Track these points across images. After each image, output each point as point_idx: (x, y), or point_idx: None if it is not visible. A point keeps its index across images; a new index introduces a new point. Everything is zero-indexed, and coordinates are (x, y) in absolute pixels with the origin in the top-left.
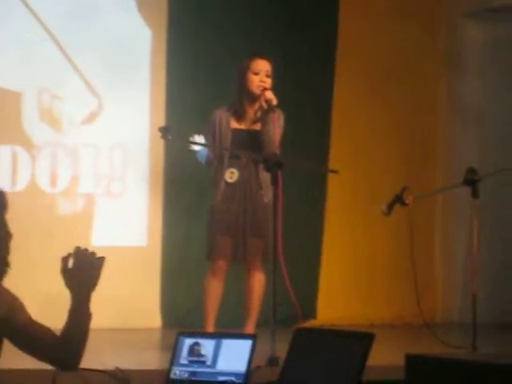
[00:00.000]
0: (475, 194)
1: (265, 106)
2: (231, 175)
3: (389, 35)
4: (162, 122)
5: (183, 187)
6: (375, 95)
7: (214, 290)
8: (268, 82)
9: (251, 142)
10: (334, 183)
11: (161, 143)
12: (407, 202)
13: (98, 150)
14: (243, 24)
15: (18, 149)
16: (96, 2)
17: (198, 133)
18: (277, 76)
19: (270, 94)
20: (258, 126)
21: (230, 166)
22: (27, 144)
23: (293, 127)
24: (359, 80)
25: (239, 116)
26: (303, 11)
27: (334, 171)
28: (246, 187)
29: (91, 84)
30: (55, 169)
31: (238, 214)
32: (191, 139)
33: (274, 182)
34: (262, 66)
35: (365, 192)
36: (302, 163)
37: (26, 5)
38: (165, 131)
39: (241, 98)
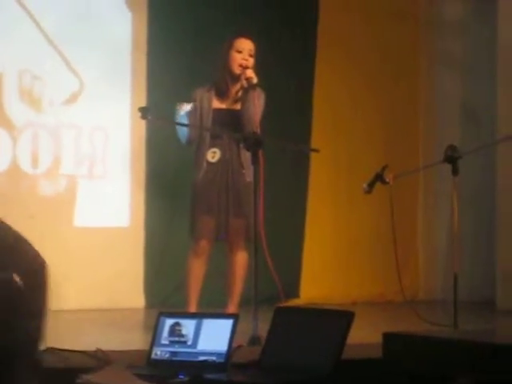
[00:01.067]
0: (455, 171)
1: (245, 84)
2: (213, 155)
3: (368, 12)
4: (143, 103)
5: (165, 168)
6: (357, 74)
7: (197, 269)
8: (250, 61)
9: (233, 121)
10: (316, 162)
11: (142, 124)
12: (387, 180)
13: (79, 131)
14: (225, 4)
15: None
16: None
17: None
18: (258, 55)
19: (250, 73)
20: (239, 106)
21: (212, 145)
22: (8, 125)
23: (274, 106)
24: (340, 58)
25: (221, 95)
26: None
27: (315, 150)
28: (227, 167)
29: (72, 65)
30: (36, 150)
31: (220, 194)
32: (178, 108)
33: (255, 161)
34: (245, 45)
35: (347, 171)
36: (283, 142)
37: None
38: (144, 111)
39: (223, 77)
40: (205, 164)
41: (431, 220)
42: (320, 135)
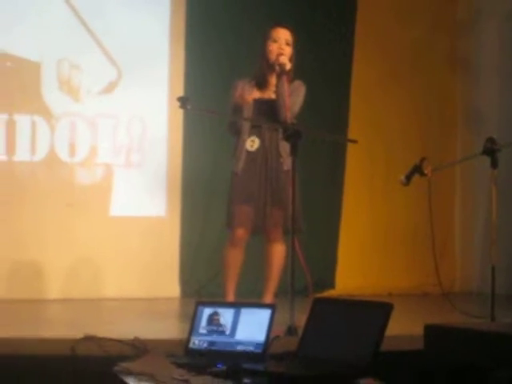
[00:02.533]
0: (494, 164)
1: (278, 70)
2: (252, 143)
3: (405, 10)
4: (180, 92)
5: (202, 157)
6: (393, 66)
7: (234, 259)
8: (287, 50)
9: (272, 110)
10: (352, 153)
11: (180, 113)
12: (426, 172)
13: (116, 120)
14: None
15: (38, 118)
16: None
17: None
18: (296, 47)
19: (283, 59)
20: None
21: (251, 134)
22: (46, 114)
23: (313, 98)
24: (378, 51)
25: (261, 86)
26: None
27: (353, 141)
28: (266, 155)
29: (110, 54)
30: (74, 139)
31: (259, 182)
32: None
33: (294, 152)
34: (282, 35)
35: (383, 162)
36: (321, 133)
37: None
38: (183, 101)
39: (261, 67)
40: (244, 153)
41: (468, 212)
42: (357, 127)
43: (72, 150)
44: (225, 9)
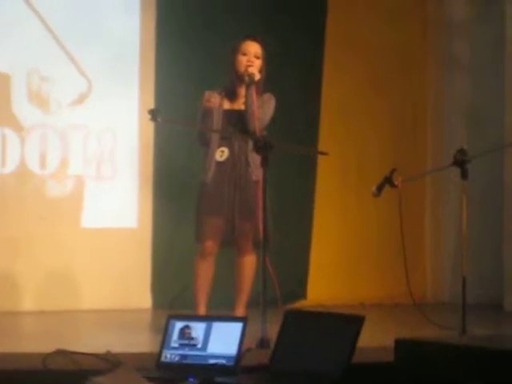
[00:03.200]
0: (464, 175)
1: (246, 80)
2: (221, 154)
3: (376, 15)
4: (151, 104)
5: (173, 169)
6: (365, 77)
7: (204, 271)
8: (256, 63)
9: (241, 121)
10: (324, 164)
11: (150, 125)
12: (396, 183)
13: (87, 132)
14: (233, 5)
15: (7, 131)
16: None
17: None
18: (266, 58)
19: (252, 69)
20: None
21: (221, 144)
22: (16, 126)
23: (283, 109)
24: (349, 61)
25: (231, 97)
26: None
27: (324, 153)
28: (235, 164)
29: (80, 65)
30: (45, 151)
31: (228, 193)
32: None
33: (264, 164)
34: (251, 48)
35: (355, 173)
36: (292, 145)
37: None
38: (154, 113)
39: (231, 80)
40: (213, 163)
41: (439, 223)
42: (328, 138)
43: (43, 162)
44: (194, 21)
